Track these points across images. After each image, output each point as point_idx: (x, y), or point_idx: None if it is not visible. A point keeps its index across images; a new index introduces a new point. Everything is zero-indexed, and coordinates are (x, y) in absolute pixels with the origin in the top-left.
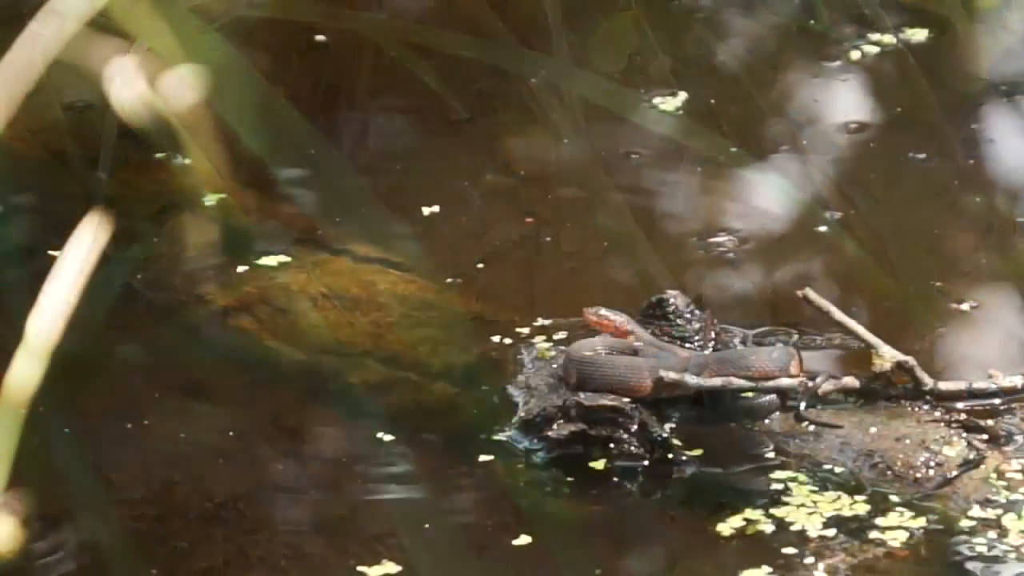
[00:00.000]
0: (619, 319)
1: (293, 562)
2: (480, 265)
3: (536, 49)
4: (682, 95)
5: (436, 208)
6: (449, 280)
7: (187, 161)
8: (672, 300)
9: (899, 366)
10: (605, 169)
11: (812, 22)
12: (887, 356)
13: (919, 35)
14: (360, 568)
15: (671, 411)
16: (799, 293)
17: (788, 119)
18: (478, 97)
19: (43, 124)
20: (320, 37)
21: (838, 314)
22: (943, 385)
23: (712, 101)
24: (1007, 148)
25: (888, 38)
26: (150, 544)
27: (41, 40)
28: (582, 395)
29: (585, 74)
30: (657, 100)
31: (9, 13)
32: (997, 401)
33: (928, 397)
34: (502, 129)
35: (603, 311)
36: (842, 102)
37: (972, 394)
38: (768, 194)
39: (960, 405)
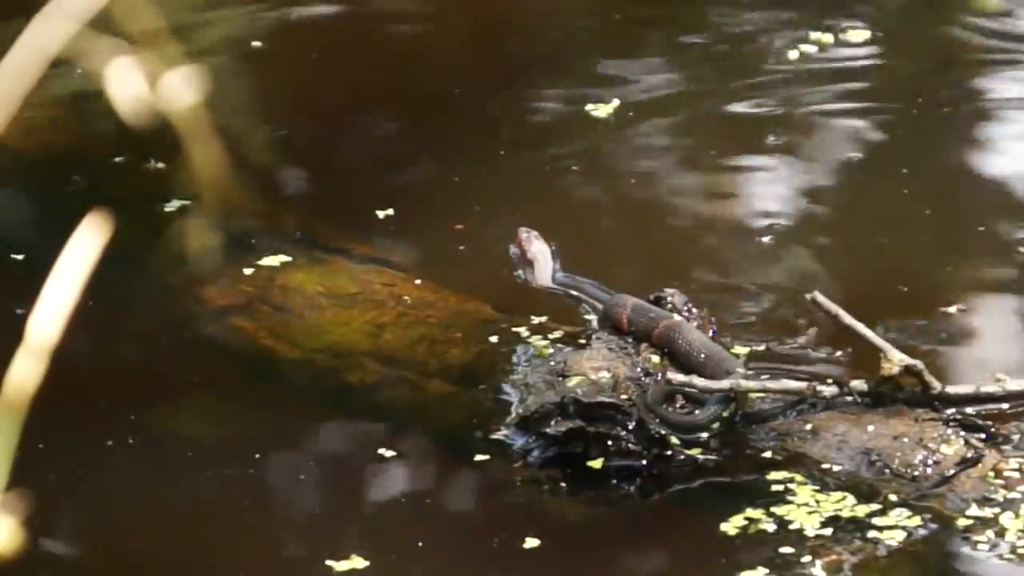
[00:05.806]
0: (526, 235)
1: (272, 557)
2: (417, 278)
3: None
4: (615, 101)
5: (391, 211)
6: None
7: (160, 165)
8: (670, 298)
9: (907, 370)
10: (541, 178)
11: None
12: (895, 359)
13: (860, 35)
14: (328, 562)
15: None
16: (807, 296)
17: (723, 124)
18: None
19: (43, 124)
20: (256, 43)
21: (847, 318)
22: (951, 389)
23: (645, 107)
24: (945, 153)
25: (827, 38)
26: (140, 538)
27: (41, 40)
28: (579, 391)
29: (513, 83)
30: (589, 107)
31: (10, 12)
32: (1005, 406)
33: (936, 401)
34: (439, 133)
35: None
36: (777, 104)
37: (979, 398)
38: (701, 203)
39: (969, 410)
